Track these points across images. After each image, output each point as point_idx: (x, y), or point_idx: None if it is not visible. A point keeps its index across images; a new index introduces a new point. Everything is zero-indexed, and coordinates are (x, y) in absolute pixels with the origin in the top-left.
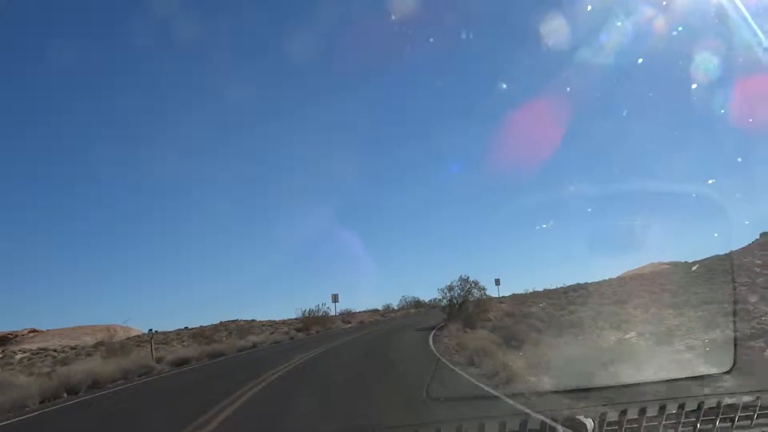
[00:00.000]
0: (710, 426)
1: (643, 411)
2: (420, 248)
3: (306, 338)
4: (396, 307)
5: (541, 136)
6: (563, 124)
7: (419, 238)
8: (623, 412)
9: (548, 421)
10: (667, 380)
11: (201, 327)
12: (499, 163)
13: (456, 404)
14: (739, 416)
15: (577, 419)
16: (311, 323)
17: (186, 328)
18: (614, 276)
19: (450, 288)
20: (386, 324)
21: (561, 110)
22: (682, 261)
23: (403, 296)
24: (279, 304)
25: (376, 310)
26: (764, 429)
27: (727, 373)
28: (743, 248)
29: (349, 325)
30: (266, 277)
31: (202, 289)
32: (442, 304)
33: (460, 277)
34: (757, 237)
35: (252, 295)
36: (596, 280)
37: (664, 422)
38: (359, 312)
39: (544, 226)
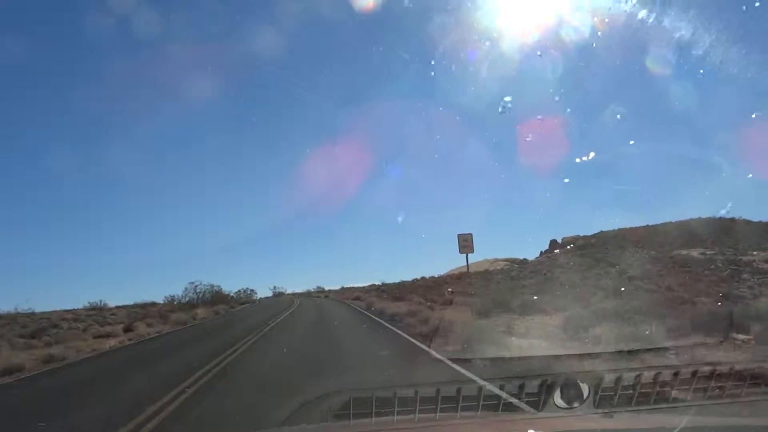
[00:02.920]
0: (702, 393)
1: (638, 377)
2: None
3: None
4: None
5: None
6: None
7: None
8: (618, 378)
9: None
10: None
11: None
12: None
13: None
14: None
15: (576, 383)
16: None
17: None
18: (440, 273)
19: None
20: None
21: None
22: (521, 258)
23: (192, 283)
24: None
25: (140, 307)
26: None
27: None
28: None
29: None
30: None
31: None
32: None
33: None
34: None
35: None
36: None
37: (657, 389)
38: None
39: None
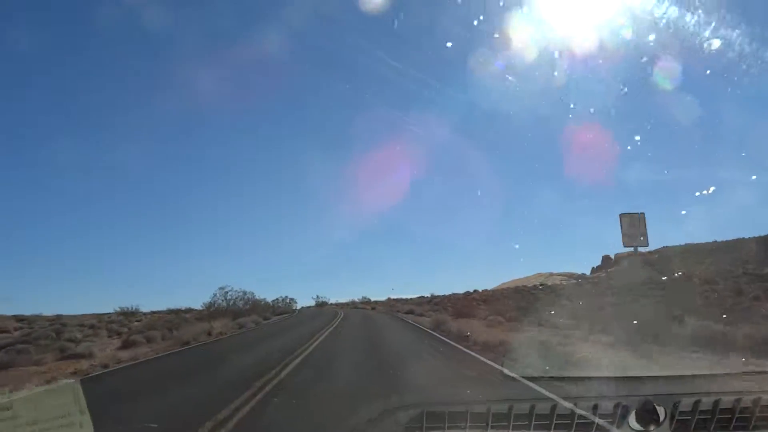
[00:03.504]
0: None
1: (716, 403)
2: None
3: None
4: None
5: None
6: None
7: None
8: (697, 402)
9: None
10: None
11: None
12: None
13: None
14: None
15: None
16: None
17: None
18: (492, 286)
19: None
20: None
21: None
22: (579, 273)
23: (222, 289)
24: None
25: (174, 313)
26: None
27: None
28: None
29: None
30: None
31: None
32: None
33: None
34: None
35: None
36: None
37: (737, 415)
38: None
39: None
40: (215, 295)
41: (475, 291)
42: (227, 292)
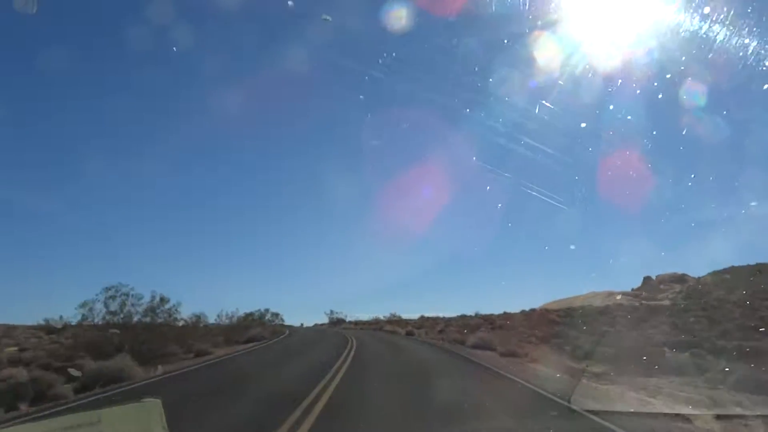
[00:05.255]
0: None
1: None
2: None
3: None
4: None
5: None
6: None
7: None
8: None
9: None
10: None
11: None
12: None
13: None
14: None
15: None
16: None
17: None
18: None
19: None
20: None
21: None
22: (640, 292)
23: (109, 290)
24: None
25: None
26: None
27: None
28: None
29: None
30: None
31: None
32: None
33: None
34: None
35: None
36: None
37: None
38: None
39: None
40: (91, 301)
41: (532, 310)
42: (119, 295)
